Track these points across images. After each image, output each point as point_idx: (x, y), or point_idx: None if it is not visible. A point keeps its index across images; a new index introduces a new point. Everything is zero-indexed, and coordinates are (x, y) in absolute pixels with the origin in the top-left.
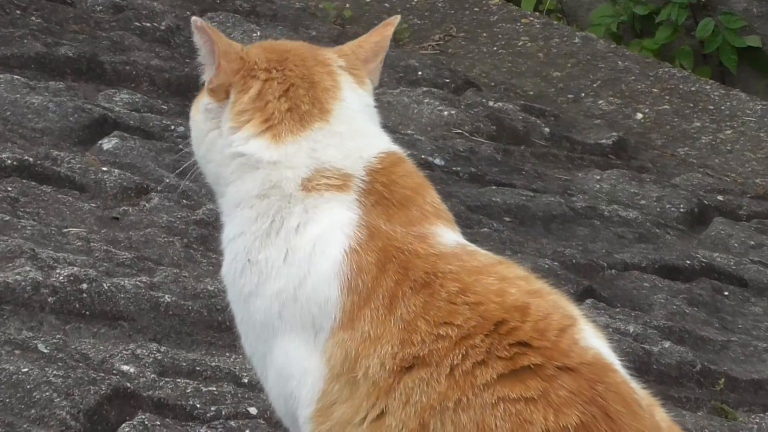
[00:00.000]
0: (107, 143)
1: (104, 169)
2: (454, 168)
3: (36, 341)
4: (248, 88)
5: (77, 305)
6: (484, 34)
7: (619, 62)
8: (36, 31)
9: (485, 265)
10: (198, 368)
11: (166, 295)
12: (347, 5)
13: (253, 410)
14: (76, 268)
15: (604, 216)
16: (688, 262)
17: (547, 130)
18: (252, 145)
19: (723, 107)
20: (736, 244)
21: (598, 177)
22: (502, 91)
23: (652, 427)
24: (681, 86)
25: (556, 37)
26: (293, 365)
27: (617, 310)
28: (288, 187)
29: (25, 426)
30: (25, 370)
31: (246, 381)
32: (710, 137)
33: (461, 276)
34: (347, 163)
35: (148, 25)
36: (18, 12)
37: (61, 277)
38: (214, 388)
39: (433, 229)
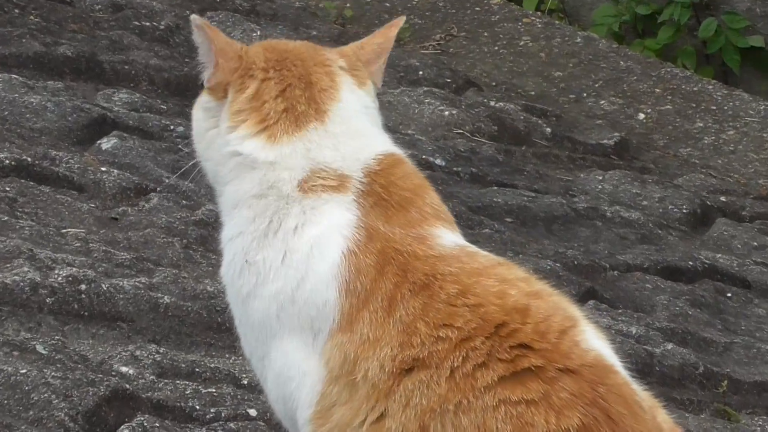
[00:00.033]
0: (106, 143)
1: (103, 169)
2: (455, 168)
3: (34, 342)
4: (245, 87)
5: (76, 306)
6: (486, 34)
7: (621, 62)
8: (35, 31)
9: (485, 267)
10: (197, 369)
11: (166, 296)
12: (348, 5)
13: (252, 412)
14: (74, 269)
15: (606, 217)
16: (690, 263)
17: (548, 130)
18: (248, 145)
19: (726, 108)
20: (739, 246)
21: (600, 177)
22: (504, 91)
23: (654, 429)
24: (683, 86)
25: (557, 37)
26: (292, 367)
27: (619, 311)
28: (285, 188)
29: (23, 427)
30: (24, 371)
31: (246, 382)
32: (713, 138)
33: (461, 278)
34: (344, 164)
35: (148, 24)
36: (17, 11)
37: (59, 278)
38: (214, 390)
39: (433, 231)
